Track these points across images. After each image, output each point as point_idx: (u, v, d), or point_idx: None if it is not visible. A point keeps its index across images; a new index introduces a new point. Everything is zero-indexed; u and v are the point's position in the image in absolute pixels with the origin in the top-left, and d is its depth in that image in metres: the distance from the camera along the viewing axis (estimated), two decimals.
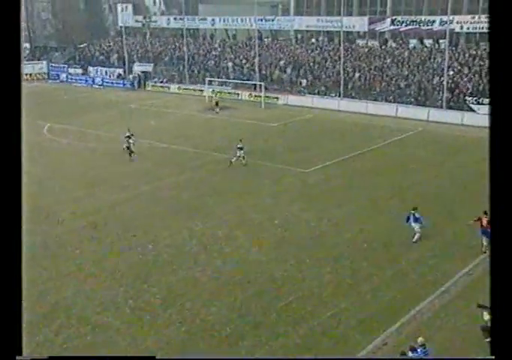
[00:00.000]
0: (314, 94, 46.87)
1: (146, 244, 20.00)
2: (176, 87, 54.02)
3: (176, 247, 19.85)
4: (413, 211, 19.62)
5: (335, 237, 20.44)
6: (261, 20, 53.95)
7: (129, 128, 32.08)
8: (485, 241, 17.98)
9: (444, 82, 40.83)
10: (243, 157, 29.07)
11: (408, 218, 19.69)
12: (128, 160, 30.75)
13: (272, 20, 55.39)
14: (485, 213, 17.48)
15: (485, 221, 17.76)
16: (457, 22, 44.21)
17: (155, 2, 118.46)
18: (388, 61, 47.58)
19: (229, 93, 49.99)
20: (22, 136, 6.08)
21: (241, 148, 29.06)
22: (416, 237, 19.61)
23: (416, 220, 19.51)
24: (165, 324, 15.00)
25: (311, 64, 50.07)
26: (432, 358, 12.17)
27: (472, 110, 38.90)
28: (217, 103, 44.05)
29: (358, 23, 50.97)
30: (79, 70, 61.74)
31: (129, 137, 31.25)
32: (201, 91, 50.98)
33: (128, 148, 31.01)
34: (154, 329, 14.80)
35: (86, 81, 59.78)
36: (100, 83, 58.69)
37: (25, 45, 71.73)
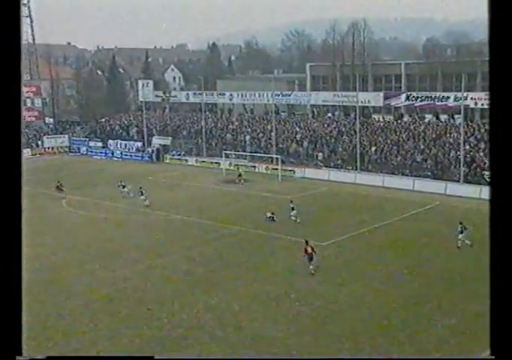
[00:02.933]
0: (331, 167, 47.69)
1: (161, 318, 20.04)
2: (193, 160, 55.34)
3: (191, 321, 19.86)
4: None
5: (353, 312, 20.33)
6: (278, 95, 55.72)
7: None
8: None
9: (461, 157, 41.44)
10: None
11: None
12: (142, 232, 31.26)
13: (289, 95, 57.17)
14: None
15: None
16: (471, 99, 45.54)
17: (174, 78, 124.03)
18: (404, 135, 48.61)
19: (246, 166, 51.08)
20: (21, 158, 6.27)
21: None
22: None
23: None
24: None
25: (328, 137, 51.26)
26: (432, 358, 11.83)
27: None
28: (240, 175, 45.70)
29: (373, 98, 52.52)
30: (100, 144, 63.76)
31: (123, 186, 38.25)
32: (218, 163, 52.12)
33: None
34: None
35: (106, 154, 61.61)
36: (119, 156, 60.39)
37: (50, 120, 74.75)
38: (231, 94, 60.57)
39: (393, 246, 27.84)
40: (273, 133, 51.37)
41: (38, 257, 27.42)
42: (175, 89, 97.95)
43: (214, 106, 68.69)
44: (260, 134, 55.39)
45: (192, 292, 22.45)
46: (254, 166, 50.56)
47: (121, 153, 60.71)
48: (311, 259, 24.15)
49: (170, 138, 59.64)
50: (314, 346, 17.75)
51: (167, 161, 56.96)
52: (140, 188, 38.36)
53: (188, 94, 65.84)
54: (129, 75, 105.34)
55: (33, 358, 6.76)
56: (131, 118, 68.86)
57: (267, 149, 52.29)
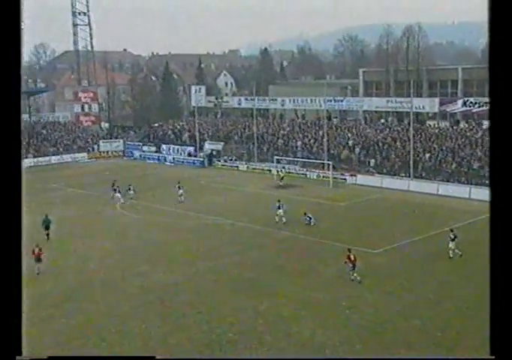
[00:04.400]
0: (383, 173, 47.14)
1: (211, 322, 20.26)
2: (244, 165, 55.73)
3: (241, 326, 19.99)
4: None
5: (404, 322, 20.01)
6: (331, 101, 55.56)
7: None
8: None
9: None
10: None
11: None
12: (192, 236, 31.71)
13: (342, 101, 56.95)
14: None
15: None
16: None
17: (227, 84, 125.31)
18: (460, 141, 47.55)
19: (297, 172, 51.06)
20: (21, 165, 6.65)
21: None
22: None
23: None
24: None
25: (380, 144, 50.70)
26: (432, 358, 11.79)
27: None
28: (282, 178, 46.57)
29: (428, 104, 51.65)
30: (153, 148, 65.04)
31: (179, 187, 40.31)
32: (269, 170, 52.29)
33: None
34: None
35: (159, 158, 62.80)
36: (171, 160, 61.46)
37: (105, 125, 76.92)
38: (283, 100, 60.82)
39: (446, 256, 27.24)
40: (325, 139, 51.22)
41: (93, 259, 28.26)
42: (227, 95, 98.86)
43: (265, 111, 69.05)
44: (312, 140, 55.34)
45: (241, 297, 22.60)
46: (306, 172, 50.51)
47: (173, 158, 61.79)
48: (354, 267, 24.05)
49: (222, 143, 60.32)
50: (364, 355, 17.57)
51: (219, 166, 57.58)
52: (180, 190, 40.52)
53: (240, 99, 66.51)
54: (182, 80, 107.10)
55: (33, 358, 6.83)
56: (184, 124, 70.03)
57: (319, 155, 52.15)
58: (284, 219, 33.25)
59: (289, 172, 50.04)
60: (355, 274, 23.90)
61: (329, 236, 30.97)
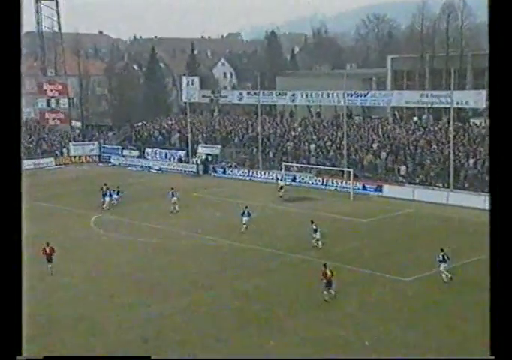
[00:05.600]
0: (416, 184, 47.24)
1: None
2: (247, 173, 55.97)
3: None
4: None
5: None
6: (351, 95, 55.69)
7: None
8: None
9: None
10: (317, 240, 33.07)
11: None
12: (185, 259, 31.85)
13: (365, 95, 56.94)
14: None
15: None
16: None
17: (225, 75, 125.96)
18: None
19: (310, 182, 51.20)
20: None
21: (315, 230, 33.29)
22: None
23: None
24: None
25: (412, 147, 50.84)
26: (432, 358, 13.88)
27: None
28: (281, 188, 47.10)
29: (473, 98, 51.52)
30: (135, 153, 65.54)
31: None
32: (277, 180, 52.36)
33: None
34: None
35: (142, 165, 63.25)
36: (158, 168, 61.84)
37: (77, 124, 76.87)
38: (293, 94, 60.98)
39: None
40: (344, 142, 51.40)
41: (64, 288, 28.34)
42: (226, 88, 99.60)
43: (272, 108, 69.47)
44: (329, 143, 55.56)
45: (244, 334, 22.66)
46: (321, 182, 50.69)
47: (160, 164, 62.20)
48: (329, 284, 25.39)
49: (220, 147, 60.66)
50: None
51: (216, 175, 57.85)
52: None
53: (241, 93, 66.72)
54: (171, 70, 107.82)
55: (32, 358, 8.13)
56: (173, 123, 70.46)
57: (337, 161, 52.36)
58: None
59: (299, 182, 50.21)
60: (331, 291, 25.34)
61: (349, 260, 31.06)
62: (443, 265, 27.83)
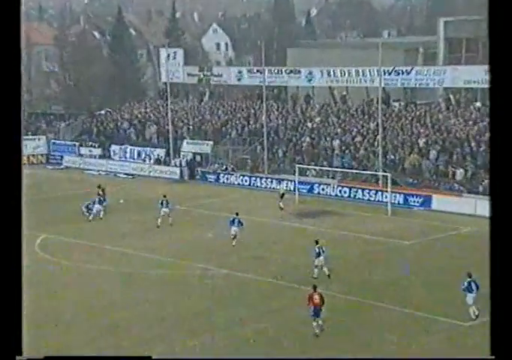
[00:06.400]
0: (477, 193, 47.03)
1: None
2: (247, 179, 56.02)
3: None
4: None
5: None
6: (389, 73, 55.70)
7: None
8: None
9: None
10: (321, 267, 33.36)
11: None
12: (164, 295, 31.86)
13: (408, 73, 57.00)
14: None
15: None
16: None
17: (219, 46, 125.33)
18: None
19: (333, 190, 51.10)
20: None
21: (319, 254, 33.48)
22: None
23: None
24: None
25: (474, 143, 50.69)
26: (432, 358, 16.78)
27: None
28: (283, 196, 47.64)
29: None
30: (97, 151, 65.61)
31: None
32: (289, 183, 52.31)
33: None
34: None
35: (107, 168, 63.26)
36: (128, 171, 61.94)
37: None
38: (310, 72, 61.00)
39: None
40: (379, 136, 51.36)
41: None
42: (219, 64, 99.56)
43: (282, 91, 69.14)
44: (358, 138, 55.45)
45: None
46: (348, 190, 50.61)
47: (131, 167, 62.27)
48: (317, 313, 26.17)
49: (211, 143, 60.56)
50: None
51: (206, 180, 57.88)
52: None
53: (240, 71, 66.76)
54: (145, 40, 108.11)
55: (32, 358, 10.12)
56: (149, 111, 70.36)
57: (369, 162, 52.30)
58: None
59: (318, 191, 50.20)
60: (319, 321, 26.15)
61: (385, 296, 31.00)
62: (470, 297, 27.79)
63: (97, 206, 45.70)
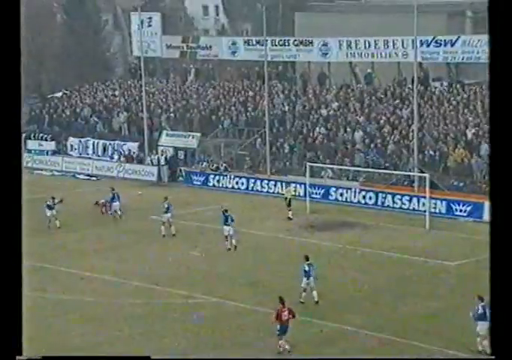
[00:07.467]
0: None
1: None
2: (244, 180, 56.37)
3: None
4: None
5: None
6: (428, 44, 55.71)
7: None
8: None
9: None
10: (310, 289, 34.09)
11: None
12: (139, 331, 32.12)
13: (453, 44, 56.70)
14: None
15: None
16: None
17: (206, 9, 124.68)
18: None
19: (355, 195, 51.39)
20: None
21: (308, 274, 34.36)
22: None
23: None
24: None
25: None
26: (432, 358, 19.97)
27: None
28: (290, 203, 48.58)
29: None
30: (50, 145, 66.11)
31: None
32: (298, 187, 52.53)
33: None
34: None
35: (62, 166, 63.94)
36: (90, 171, 62.44)
37: None
38: (325, 44, 61.01)
39: None
40: (415, 127, 51.59)
41: None
42: (207, 32, 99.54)
43: (289, 67, 69.31)
44: (387, 128, 55.62)
45: None
46: (374, 195, 50.93)
47: (94, 165, 62.69)
48: (284, 330, 27.73)
49: (198, 135, 60.87)
50: None
51: (191, 182, 58.33)
52: None
53: (234, 43, 66.84)
54: (111, 1, 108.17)
55: (33, 358, 12.55)
56: (116, 93, 70.73)
57: (400, 160, 52.59)
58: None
59: (336, 197, 50.53)
60: (285, 344, 27.61)
61: (423, 331, 31.37)
62: (481, 326, 28.20)
63: (114, 204, 48.70)
